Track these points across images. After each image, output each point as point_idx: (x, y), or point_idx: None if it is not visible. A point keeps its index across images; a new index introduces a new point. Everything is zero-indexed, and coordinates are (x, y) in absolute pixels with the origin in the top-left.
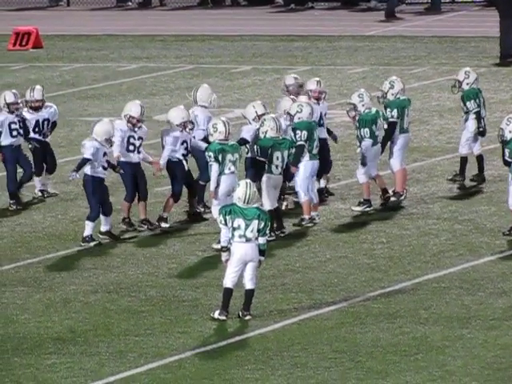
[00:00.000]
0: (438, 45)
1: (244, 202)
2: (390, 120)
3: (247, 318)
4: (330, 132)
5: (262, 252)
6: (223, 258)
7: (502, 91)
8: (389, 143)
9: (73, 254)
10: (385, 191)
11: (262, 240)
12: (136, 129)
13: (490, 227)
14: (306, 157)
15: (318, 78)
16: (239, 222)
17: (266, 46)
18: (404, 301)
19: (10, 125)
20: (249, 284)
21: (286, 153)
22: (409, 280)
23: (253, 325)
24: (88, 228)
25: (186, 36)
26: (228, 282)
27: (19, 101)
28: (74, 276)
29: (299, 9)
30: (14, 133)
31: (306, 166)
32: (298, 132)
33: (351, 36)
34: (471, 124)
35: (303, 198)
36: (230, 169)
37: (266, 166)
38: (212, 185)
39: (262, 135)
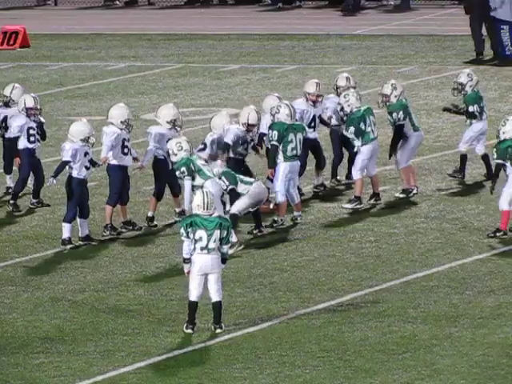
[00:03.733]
0: (425, 43)
1: (204, 209)
2: (398, 123)
3: (218, 331)
4: (323, 121)
5: (224, 260)
6: (185, 270)
7: (491, 90)
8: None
9: (61, 253)
10: (375, 195)
11: (225, 248)
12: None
13: (477, 226)
14: (281, 158)
15: (317, 80)
16: (201, 233)
17: (254, 45)
18: (392, 299)
19: (28, 130)
20: (215, 296)
21: None
22: (397, 279)
23: (241, 324)
24: (65, 230)
25: (173, 35)
26: (192, 295)
27: (38, 106)
28: (62, 275)
29: (287, 8)
30: (32, 138)
31: (282, 168)
32: (270, 132)
33: (339, 35)
34: (476, 124)
35: (279, 199)
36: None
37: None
38: (186, 202)
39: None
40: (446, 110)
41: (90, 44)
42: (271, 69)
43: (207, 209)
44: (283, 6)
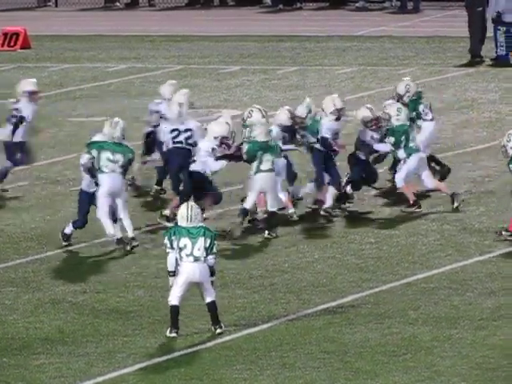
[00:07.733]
0: (426, 45)
1: (187, 221)
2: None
3: (219, 331)
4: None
5: (212, 273)
6: (171, 283)
7: (491, 91)
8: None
9: (61, 254)
10: (346, 197)
11: (210, 259)
12: None
13: (478, 227)
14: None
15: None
16: (185, 241)
17: (254, 47)
18: (393, 301)
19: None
20: (208, 298)
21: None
22: (397, 280)
23: (241, 325)
24: (67, 228)
25: (174, 36)
26: (173, 299)
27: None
28: (62, 276)
29: (287, 9)
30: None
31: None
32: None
33: (339, 36)
34: (426, 126)
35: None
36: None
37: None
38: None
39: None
40: None
41: (91, 45)
42: (272, 70)
43: (190, 221)
44: (284, 7)
